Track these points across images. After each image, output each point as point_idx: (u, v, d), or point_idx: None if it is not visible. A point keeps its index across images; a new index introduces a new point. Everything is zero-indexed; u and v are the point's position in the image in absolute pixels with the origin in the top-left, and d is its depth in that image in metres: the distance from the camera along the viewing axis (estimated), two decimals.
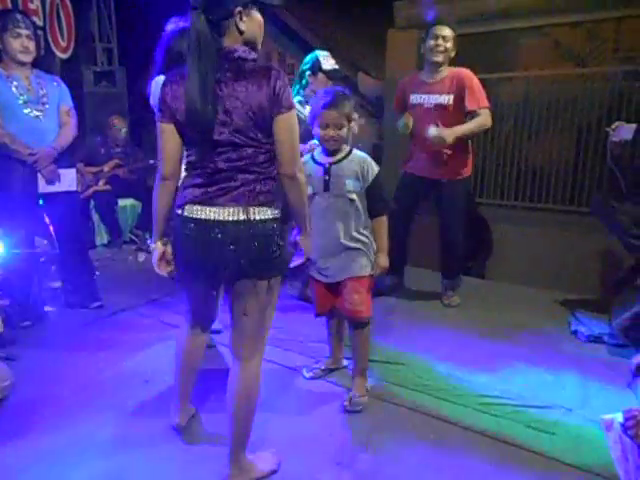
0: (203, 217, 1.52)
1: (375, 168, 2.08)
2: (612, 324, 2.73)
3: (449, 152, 3.03)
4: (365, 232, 2.12)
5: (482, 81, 4.75)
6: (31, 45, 2.73)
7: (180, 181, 1.63)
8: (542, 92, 4.60)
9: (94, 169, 4.64)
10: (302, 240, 1.76)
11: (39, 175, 2.78)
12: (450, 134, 2.92)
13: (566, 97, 4.47)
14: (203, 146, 1.51)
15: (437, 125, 2.93)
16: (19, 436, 1.94)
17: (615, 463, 1.43)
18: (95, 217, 4.60)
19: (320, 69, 2.82)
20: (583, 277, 3.76)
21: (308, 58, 2.90)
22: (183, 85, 1.48)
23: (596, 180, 4.24)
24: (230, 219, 1.50)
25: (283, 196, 1.58)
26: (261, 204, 1.52)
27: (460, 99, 2.99)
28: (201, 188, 1.53)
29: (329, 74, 2.82)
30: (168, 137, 1.56)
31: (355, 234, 2.10)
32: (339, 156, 2.08)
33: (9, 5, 3.38)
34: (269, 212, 1.53)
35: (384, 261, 2.14)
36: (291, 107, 1.48)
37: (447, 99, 2.99)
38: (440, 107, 3.00)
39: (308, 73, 2.86)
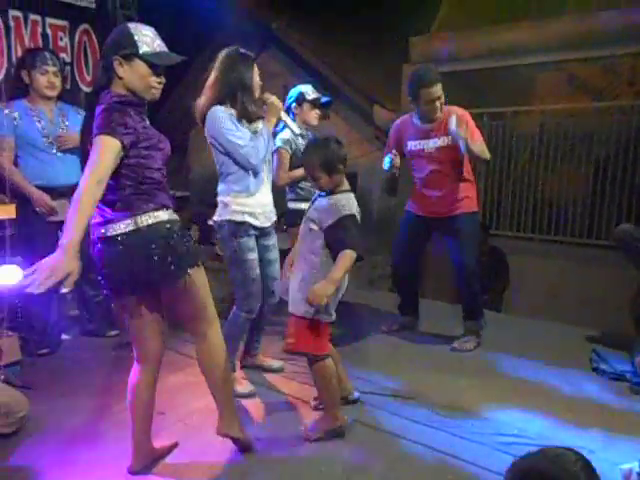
0: None
1: (343, 211, 2.03)
2: (634, 361, 2.66)
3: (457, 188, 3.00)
4: (314, 264, 2.06)
5: (498, 115, 4.80)
6: (57, 81, 2.88)
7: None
8: (558, 125, 4.62)
9: None
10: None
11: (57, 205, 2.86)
12: (465, 132, 2.81)
13: (582, 130, 4.48)
14: None
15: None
16: (34, 467, 1.93)
17: None
18: None
19: (305, 99, 2.96)
20: (604, 312, 3.70)
21: (292, 93, 3.04)
22: None
23: (615, 213, 4.21)
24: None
25: None
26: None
27: None
28: None
29: (313, 102, 2.97)
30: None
31: (305, 263, 2.09)
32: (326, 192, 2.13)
33: (40, 43, 3.53)
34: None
35: (319, 289, 1.95)
36: (96, 133, 1.65)
37: (447, 140, 2.93)
38: (443, 149, 2.96)
39: (294, 105, 2.99)
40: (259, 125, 2.38)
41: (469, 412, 2.35)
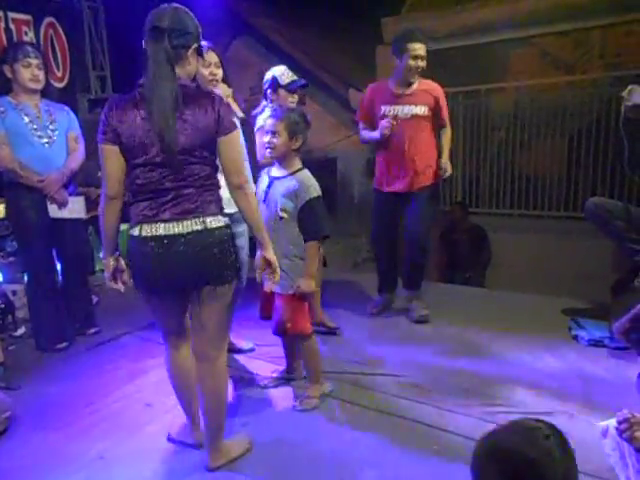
0: (159, 233, 1.63)
1: (312, 193, 2.06)
2: (612, 327, 2.72)
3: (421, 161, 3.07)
4: (296, 252, 2.11)
5: (473, 93, 4.82)
6: (41, 74, 2.79)
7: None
8: (532, 101, 4.66)
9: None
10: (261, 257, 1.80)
11: (48, 201, 2.83)
12: (448, 163, 3.09)
13: (556, 105, 4.53)
14: (152, 167, 1.61)
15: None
16: (20, 467, 1.93)
17: (616, 469, 1.42)
18: (94, 242, 4.61)
19: (279, 85, 2.92)
20: (582, 281, 3.77)
21: (266, 77, 2.98)
22: (133, 110, 1.59)
23: (590, 184, 4.28)
24: (185, 231, 1.62)
25: None
26: (213, 213, 1.67)
27: (433, 111, 3.03)
28: (152, 207, 1.64)
29: (288, 87, 2.92)
30: (112, 159, 1.65)
31: (285, 252, 2.09)
32: (285, 172, 2.12)
33: (4, 39, 3.44)
34: (222, 220, 1.69)
35: (304, 285, 2.11)
36: (233, 128, 1.66)
37: (423, 110, 2.99)
38: (417, 117, 3.00)
39: (269, 91, 2.96)
40: None
41: (454, 385, 2.40)
